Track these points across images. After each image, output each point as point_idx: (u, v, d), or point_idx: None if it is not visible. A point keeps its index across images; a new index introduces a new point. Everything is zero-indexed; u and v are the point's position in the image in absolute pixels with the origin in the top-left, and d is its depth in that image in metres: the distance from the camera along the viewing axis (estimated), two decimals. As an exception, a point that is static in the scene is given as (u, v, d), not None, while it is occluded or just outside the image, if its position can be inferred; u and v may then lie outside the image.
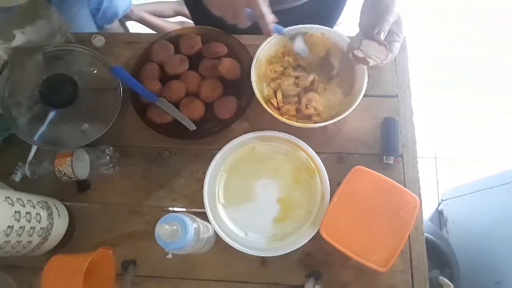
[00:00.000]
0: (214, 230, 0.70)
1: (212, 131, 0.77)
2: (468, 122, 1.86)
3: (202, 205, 0.71)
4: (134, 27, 2.10)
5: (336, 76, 0.78)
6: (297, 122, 0.73)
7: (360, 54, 0.67)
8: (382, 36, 0.64)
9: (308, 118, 0.76)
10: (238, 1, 0.64)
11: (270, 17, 0.66)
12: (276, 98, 0.76)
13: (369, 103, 0.79)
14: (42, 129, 0.76)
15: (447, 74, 1.97)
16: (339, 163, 0.76)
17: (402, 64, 0.83)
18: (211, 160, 0.74)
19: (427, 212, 1.71)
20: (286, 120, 0.72)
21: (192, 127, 0.75)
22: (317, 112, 0.75)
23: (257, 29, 0.67)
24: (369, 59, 0.66)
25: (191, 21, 1.26)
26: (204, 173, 0.73)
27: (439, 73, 1.97)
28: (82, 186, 0.77)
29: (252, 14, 0.65)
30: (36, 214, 0.64)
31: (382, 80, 0.81)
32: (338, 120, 0.71)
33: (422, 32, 2.01)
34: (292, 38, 0.76)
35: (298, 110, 0.76)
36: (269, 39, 0.77)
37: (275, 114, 0.72)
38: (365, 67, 0.72)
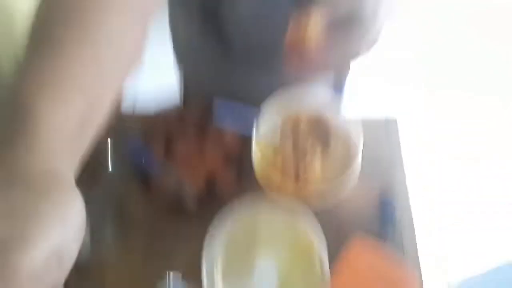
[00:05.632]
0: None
1: (212, 207, 0.76)
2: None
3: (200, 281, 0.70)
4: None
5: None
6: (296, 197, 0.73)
7: None
8: None
9: (306, 192, 0.75)
10: None
11: None
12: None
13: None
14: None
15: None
16: (338, 237, 0.76)
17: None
18: (210, 234, 0.72)
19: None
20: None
21: (193, 206, 0.76)
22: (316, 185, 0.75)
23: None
24: None
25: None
26: (202, 245, 0.71)
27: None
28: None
29: None
30: None
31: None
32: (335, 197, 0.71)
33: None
34: None
35: (296, 184, 0.76)
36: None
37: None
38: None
